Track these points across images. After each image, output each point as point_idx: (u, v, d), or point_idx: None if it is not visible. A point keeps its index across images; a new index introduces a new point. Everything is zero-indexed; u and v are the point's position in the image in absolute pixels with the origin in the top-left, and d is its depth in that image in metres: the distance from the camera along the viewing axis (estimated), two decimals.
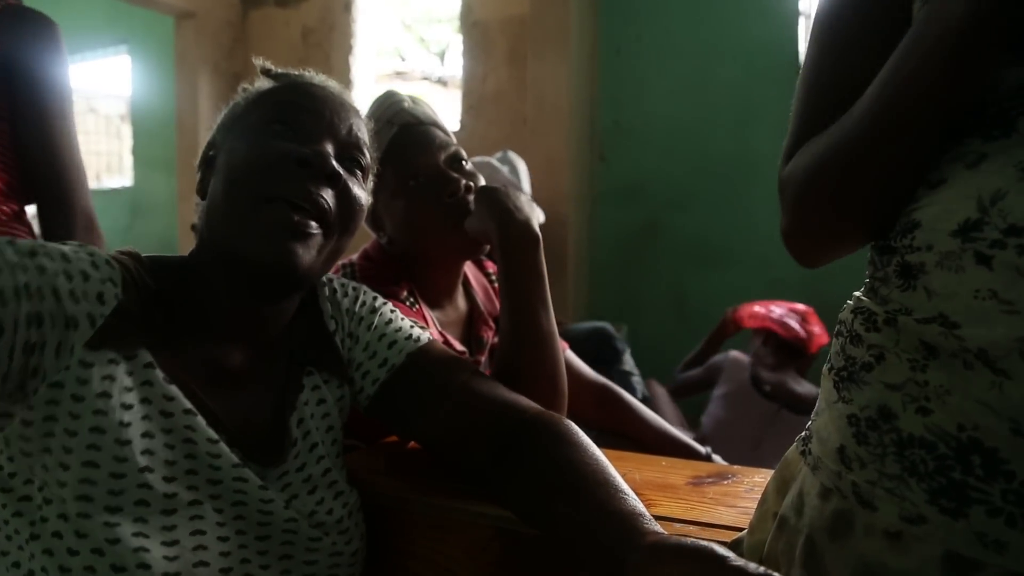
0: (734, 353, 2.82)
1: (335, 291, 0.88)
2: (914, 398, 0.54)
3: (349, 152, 0.80)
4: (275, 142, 0.75)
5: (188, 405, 0.70)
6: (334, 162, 0.75)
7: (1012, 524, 0.49)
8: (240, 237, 0.72)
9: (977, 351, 0.50)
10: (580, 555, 0.65)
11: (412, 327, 0.90)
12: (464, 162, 1.15)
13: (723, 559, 0.53)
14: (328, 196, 0.75)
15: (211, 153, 0.82)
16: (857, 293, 0.64)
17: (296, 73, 0.85)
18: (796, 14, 3.50)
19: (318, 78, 0.85)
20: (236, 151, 0.76)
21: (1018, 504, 0.49)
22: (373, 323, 0.88)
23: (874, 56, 0.60)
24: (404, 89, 1.21)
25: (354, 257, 1.17)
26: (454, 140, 1.18)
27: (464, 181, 1.11)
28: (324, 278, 0.88)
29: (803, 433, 0.67)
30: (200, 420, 0.70)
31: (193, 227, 0.83)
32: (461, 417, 0.83)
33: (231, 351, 0.76)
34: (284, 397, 0.79)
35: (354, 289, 0.90)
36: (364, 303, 0.89)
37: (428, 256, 1.14)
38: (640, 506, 0.65)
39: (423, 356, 0.87)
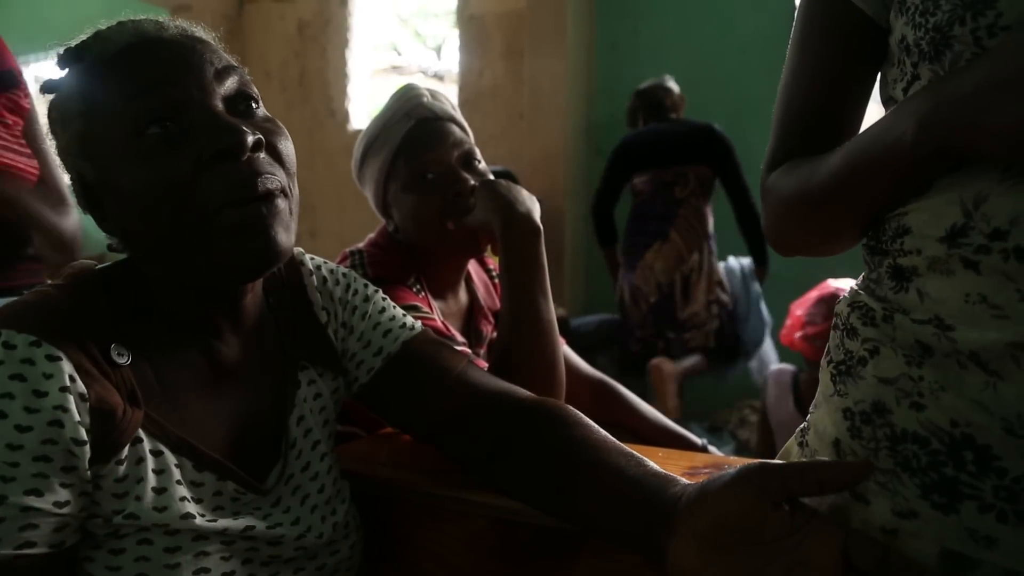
0: (774, 368, 2.60)
1: (324, 279, 0.85)
2: (907, 393, 0.55)
3: (236, 92, 0.68)
4: (173, 152, 0.63)
5: (178, 476, 0.67)
6: (249, 136, 0.63)
7: (1003, 520, 0.49)
8: (205, 260, 0.64)
9: (969, 353, 0.51)
10: (608, 527, 0.65)
11: (405, 315, 0.89)
12: (477, 161, 1.16)
13: (769, 465, 0.54)
14: (266, 165, 0.65)
15: (92, 194, 0.69)
16: (854, 286, 0.64)
17: (95, 37, 0.68)
18: (791, 9, 3.50)
19: (127, 30, 0.68)
20: (136, 187, 0.63)
21: (1009, 500, 0.49)
22: (367, 311, 0.86)
23: (840, 79, 0.66)
24: (399, 84, 1.21)
25: (361, 245, 1.18)
26: (470, 137, 1.18)
27: (471, 182, 1.11)
28: (312, 265, 0.85)
29: (802, 425, 0.68)
30: (188, 492, 0.67)
31: (111, 247, 0.72)
32: (458, 406, 0.82)
33: (220, 348, 0.73)
34: (283, 396, 0.78)
35: (344, 276, 0.87)
36: (356, 291, 0.87)
37: (430, 250, 1.16)
38: (666, 472, 0.65)
39: (418, 344, 0.86)
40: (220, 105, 0.66)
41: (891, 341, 0.57)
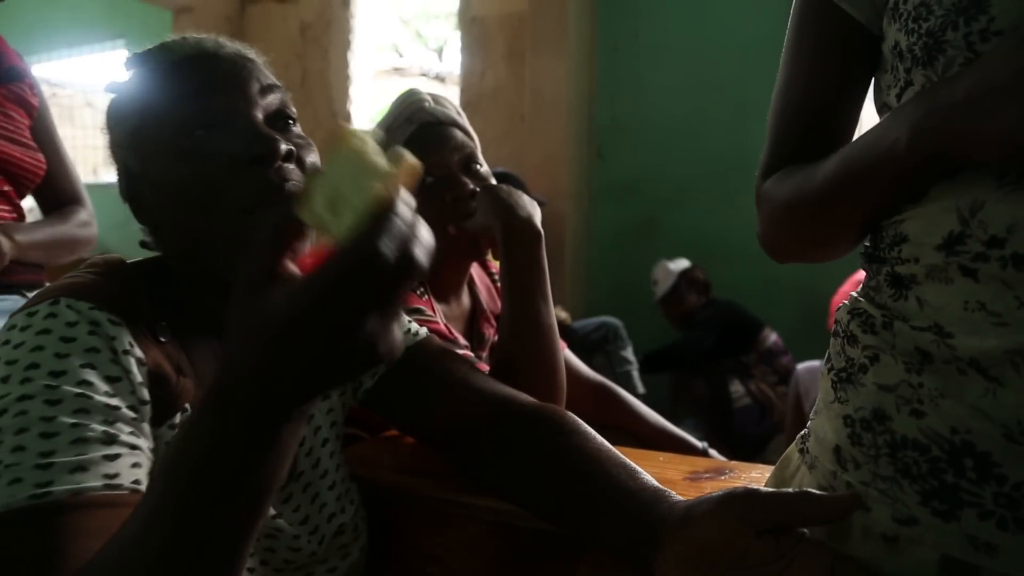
0: (803, 365, 2.66)
1: None
2: (907, 400, 0.55)
3: (277, 109, 0.74)
4: (213, 153, 0.68)
5: None
6: (282, 144, 0.69)
7: (1003, 527, 0.50)
8: (228, 257, 0.67)
9: (969, 360, 0.51)
10: (598, 538, 0.66)
11: (410, 321, 0.91)
12: (479, 165, 1.17)
13: (755, 493, 0.55)
14: (294, 174, 0.70)
15: (134, 186, 0.74)
16: (854, 294, 0.65)
17: (159, 47, 0.74)
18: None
19: (188, 44, 0.74)
20: (176, 181, 0.68)
21: (1009, 507, 0.49)
22: None
23: (834, 86, 0.66)
24: (401, 85, 1.22)
25: None
26: (474, 141, 1.19)
27: (471, 186, 1.12)
28: None
29: (802, 431, 0.68)
30: None
31: (144, 244, 0.77)
32: (460, 410, 0.84)
33: None
34: None
35: None
36: None
37: (432, 253, 1.16)
38: (659, 485, 0.66)
39: (421, 350, 0.87)
40: (260, 117, 0.72)
41: (891, 348, 0.57)
